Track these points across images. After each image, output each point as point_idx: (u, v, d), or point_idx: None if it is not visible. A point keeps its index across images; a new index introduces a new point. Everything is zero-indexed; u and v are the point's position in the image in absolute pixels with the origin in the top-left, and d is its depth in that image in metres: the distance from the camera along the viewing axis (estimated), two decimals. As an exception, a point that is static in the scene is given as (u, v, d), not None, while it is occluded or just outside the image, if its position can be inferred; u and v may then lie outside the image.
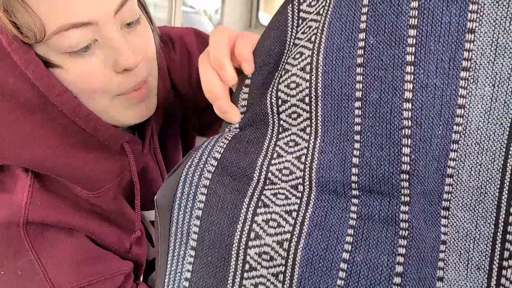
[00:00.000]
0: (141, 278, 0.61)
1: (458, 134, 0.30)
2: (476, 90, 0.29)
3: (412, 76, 0.30)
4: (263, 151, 0.36)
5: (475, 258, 0.31)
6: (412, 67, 0.30)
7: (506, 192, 0.30)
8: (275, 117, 0.35)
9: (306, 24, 0.34)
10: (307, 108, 0.33)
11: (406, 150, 0.30)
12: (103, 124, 0.48)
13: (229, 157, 0.36)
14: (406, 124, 0.30)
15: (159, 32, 0.57)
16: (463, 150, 0.30)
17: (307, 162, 0.33)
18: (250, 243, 0.33)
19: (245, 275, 0.33)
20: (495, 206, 0.30)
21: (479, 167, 0.30)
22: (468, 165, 0.30)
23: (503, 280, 0.30)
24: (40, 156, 0.46)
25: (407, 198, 0.31)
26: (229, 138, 0.37)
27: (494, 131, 0.29)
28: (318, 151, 0.33)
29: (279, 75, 0.35)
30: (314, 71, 0.32)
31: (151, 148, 0.60)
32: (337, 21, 0.31)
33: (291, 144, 0.35)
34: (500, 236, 0.30)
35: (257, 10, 2.51)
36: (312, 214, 0.33)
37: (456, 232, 0.31)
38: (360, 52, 0.30)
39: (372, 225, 0.32)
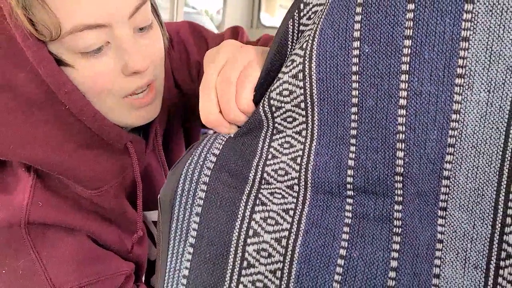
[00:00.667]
0: (143, 279, 0.61)
1: (454, 138, 0.31)
2: (472, 96, 0.30)
3: (407, 84, 0.31)
4: (257, 152, 0.37)
5: (472, 258, 0.32)
6: (407, 75, 0.31)
7: (503, 194, 0.30)
8: (269, 121, 0.37)
9: (303, 35, 0.35)
10: (303, 112, 0.35)
11: (400, 154, 0.31)
12: (109, 124, 0.49)
13: (228, 154, 0.37)
14: (401, 129, 0.31)
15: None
16: (459, 154, 0.31)
17: (303, 163, 0.35)
18: (248, 240, 0.34)
19: (243, 272, 0.35)
20: (492, 208, 0.31)
21: (476, 169, 0.31)
22: (465, 168, 0.31)
23: (500, 280, 0.31)
24: (42, 153, 0.46)
25: (400, 198, 0.33)
26: (227, 136, 0.39)
27: (490, 135, 0.30)
28: (314, 153, 0.34)
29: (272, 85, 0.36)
30: (308, 79, 0.33)
31: (155, 148, 0.60)
32: (328, 28, 0.32)
33: (285, 145, 0.36)
34: (497, 237, 0.31)
35: (259, 10, 2.51)
36: (309, 213, 0.34)
37: (453, 232, 0.32)
38: (355, 60, 0.32)
39: (367, 223, 0.33)
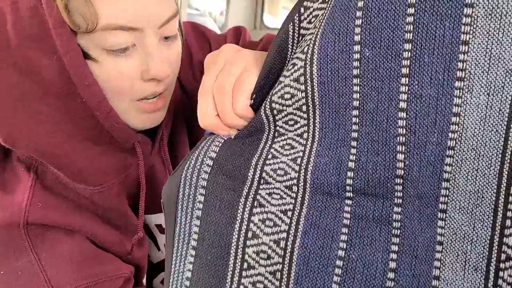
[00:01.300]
0: (144, 281, 0.61)
1: (454, 141, 0.31)
2: (471, 99, 0.30)
3: (407, 88, 0.31)
4: (258, 151, 0.37)
5: (472, 260, 0.32)
6: (407, 79, 0.31)
7: (503, 196, 0.31)
8: (271, 124, 0.37)
9: (304, 39, 0.35)
10: (305, 115, 0.35)
11: (401, 156, 0.32)
12: (121, 122, 0.49)
13: (225, 155, 0.37)
14: (401, 132, 0.31)
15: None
16: (459, 156, 0.31)
17: (302, 164, 0.35)
18: (247, 242, 0.35)
19: (244, 273, 0.35)
20: (492, 210, 0.31)
21: (475, 172, 0.31)
22: (465, 170, 0.31)
23: (500, 281, 0.31)
24: (49, 142, 0.47)
25: (400, 200, 0.33)
26: (225, 138, 0.39)
27: (490, 137, 0.30)
28: (314, 154, 0.35)
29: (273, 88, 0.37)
30: (309, 82, 0.34)
31: (160, 150, 0.60)
32: (330, 32, 0.33)
33: (286, 147, 0.36)
34: (497, 239, 0.31)
35: (262, 12, 2.51)
36: (307, 214, 0.34)
37: (453, 234, 0.32)
38: (356, 64, 0.32)
39: (366, 224, 0.33)
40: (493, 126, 0.30)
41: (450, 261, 0.32)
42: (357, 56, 0.32)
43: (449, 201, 0.32)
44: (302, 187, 0.35)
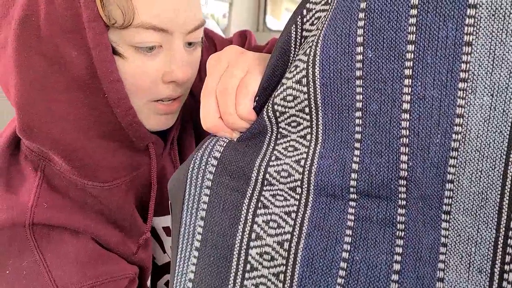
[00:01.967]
0: (149, 283, 0.61)
1: (458, 142, 0.31)
2: (475, 100, 0.30)
3: (410, 89, 0.31)
4: (261, 153, 0.37)
5: (476, 262, 0.32)
6: (410, 80, 0.31)
7: (507, 198, 0.30)
8: (274, 126, 0.37)
9: (306, 41, 0.35)
10: (307, 117, 0.35)
11: (404, 158, 0.32)
12: (138, 122, 0.50)
13: (229, 156, 0.37)
14: (404, 133, 0.31)
15: None
16: (463, 157, 0.31)
17: (306, 166, 0.35)
18: (251, 244, 0.35)
19: (246, 275, 0.35)
20: (496, 212, 0.31)
21: (479, 173, 0.31)
22: (469, 172, 0.31)
23: (504, 284, 0.31)
24: (68, 135, 0.47)
25: (404, 202, 0.33)
26: (229, 139, 0.39)
27: (493, 138, 0.30)
28: (318, 156, 0.35)
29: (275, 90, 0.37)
30: (312, 84, 0.34)
31: (170, 152, 0.61)
32: (332, 33, 0.33)
33: (290, 149, 0.36)
34: (502, 241, 0.31)
35: (264, 14, 2.52)
36: (311, 216, 0.34)
37: (457, 236, 0.32)
38: (358, 65, 0.32)
39: (370, 226, 0.33)
40: (497, 127, 0.30)
41: (454, 263, 0.32)
42: (359, 57, 0.32)
43: (453, 202, 0.32)
44: (306, 189, 0.35)
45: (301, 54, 0.35)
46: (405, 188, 0.32)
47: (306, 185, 0.35)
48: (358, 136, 0.33)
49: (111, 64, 0.45)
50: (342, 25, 0.32)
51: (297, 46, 0.37)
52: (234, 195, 0.36)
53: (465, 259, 0.32)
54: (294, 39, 0.37)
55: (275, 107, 0.36)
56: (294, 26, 0.36)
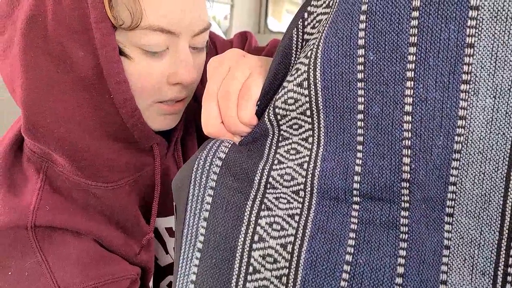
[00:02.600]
0: (151, 284, 0.61)
1: (460, 144, 0.31)
2: (477, 102, 0.30)
3: (412, 91, 0.31)
4: (264, 157, 0.37)
5: (480, 264, 0.31)
6: (412, 82, 0.31)
7: (511, 200, 0.30)
8: (275, 129, 0.37)
9: (307, 44, 0.35)
10: (309, 120, 0.35)
11: (407, 160, 0.32)
12: (143, 122, 0.50)
13: (233, 157, 0.37)
14: (407, 135, 0.31)
15: None
16: (465, 159, 0.31)
17: (309, 169, 0.35)
18: (254, 246, 0.35)
19: (249, 277, 0.35)
20: (500, 214, 0.31)
21: (482, 175, 0.31)
22: (472, 174, 0.31)
23: (508, 286, 0.31)
24: (73, 134, 0.47)
25: (407, 204, 0.33)
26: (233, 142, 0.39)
27: (496, 141, 0.30)
28: (321, 159, 0.34)
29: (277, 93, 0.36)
30: (313, 86, 0.33)
31: (174, 153, 0.61)
32: (333, 36, 0.33)
33: (292, 152, 0.36)
34: (505, 243, 0.31)
35: (266, 15, 2.52)
36: (314, 218, 0.34)
37: (460, 238, 0.32)
38: (360, 67, 0.32)
39: (373, 229, 0.33)
40: (500, 129, 0.30)
41: (457, 265, 0.32)
42: (361, 60, 0.32)
43: (456, 205, 0.32)
44: (309, 192, 0.35)
45: (302, 57, 0.35)
46: (408, 191, 0.32)
47: (309, 188, 0.35)
48: (360, 138, 0.33)
49: (118, 65, 0.45)
50: (343, 27, 0.32)
51: (298, 49, 0.37)
52: (237, 196, 0.36)
53: (468, 261, 0.32)
54: (295, 42, 0.37)
55: (276, 110, 0.36)
56: (295, 30, 0.36)
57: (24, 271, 0.47)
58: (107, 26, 0.44)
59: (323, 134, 0.35)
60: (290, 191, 0.36)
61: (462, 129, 0.31)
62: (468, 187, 0.31)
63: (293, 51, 0.37)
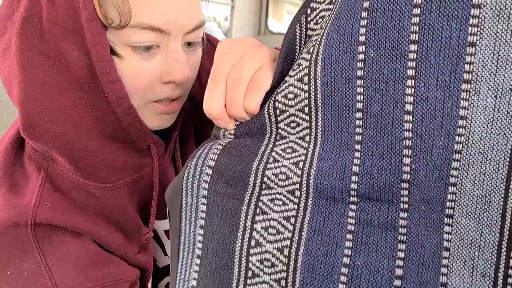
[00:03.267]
0: (150, 285, 0.61)
1: (461, 145, 0.30)
2: (478, 101, 0.30)
3: (413, 90, 0.30)
4: (258, 155, 0.36)
5: (480, 266, 0.31)
6: (413, 80, 0.30)
7: (511, 201, 0.30)
8: (273, 126, 0.36)
9: (310, 40, 0.35)
10: (307, 117, 0.35)
11: (407, 160, 0.31)
12: (139, 121, 0.50)
13: (224, 163, 0.37)
14: (407, 135, 0.31)
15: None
16: (466, 160, 0.31)
17: (305, 168, 0.34)
18: (251, 251, 0.34)
19: (248, 281, 0.35)
20: (500, 215, 0.30)
21: (483, 176, 0.31)
22: (472, 174, 0.31)
23: None
24: (71, 134, 0.47)
25: (406, 205, 0.32)
26: (223, 144, 0.38)
27: (497, 141, 0.30)
28: (317, 158, 0.34)
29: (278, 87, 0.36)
30: (313, 82, 0.33)
31: (170, 154, 0.61)
32: (335, 32, 0.32)
33: (288, 150, 0.36)
34: (505, 245, 0.30)
35: (266, 16, 2.52)
36: (310, 220, 0.34)
37: (460, 240, 0.32)
38: (360, 64, 0.31)
39: (371, 230, 0.33)
40: (501, 129, 0.30)
41: (457, 267, 0.32)
42: (361, 56, 0.32)
43: (455, 206, 0.31)
44: (305, 191, 0.35)
45: (305, 52, 0.35)
46: (407, 192, 0.32)
47: (305, 188, 0.35)
48: (358, 137, 0.33)
49: (110, 64, 0.45)
50: (345, 24, 0.32)
51: (302, 45, 0.36)
52: (232, 202, 0.36)
53: (468, 263, 0.31)
54: (298, 38, 0.36)
55: (276, 104, 0.35)
56: (298, 25, 0.36)
57: (23, 272, 0.47)
58: (97, 25, 0.44)
59: (320, 132, 0.34)
60: (286, 191, 0.35)
61: (463, 129, 0.30)
62: (468, 188, 0.31)
63: (296, 47, 0.37)
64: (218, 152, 0.37)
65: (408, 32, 0.30)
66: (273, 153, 0.36)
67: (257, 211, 0.35)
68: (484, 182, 0.31)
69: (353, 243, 0.33)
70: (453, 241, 0.32)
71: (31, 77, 0.45)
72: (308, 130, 0.35)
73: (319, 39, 0.33)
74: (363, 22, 0.31)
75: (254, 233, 0.35)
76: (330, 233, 0.33)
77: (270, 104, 0.36)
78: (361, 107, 0.32)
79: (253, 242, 0.35)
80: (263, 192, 0.36)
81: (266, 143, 0.37)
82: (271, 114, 0.36)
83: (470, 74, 0.30)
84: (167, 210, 0.40)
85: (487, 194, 0.31)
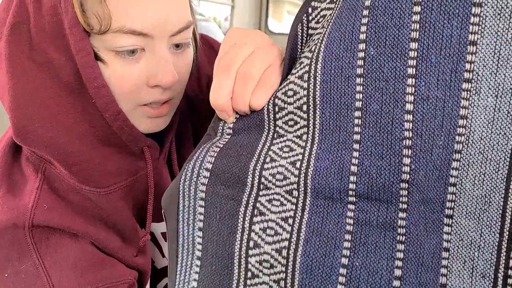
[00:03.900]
0: (148, 287, 0.61)
1: (461, 144, 0.30)
2: (479, 101, 0.30)
3: (413, 89, 0.30)
4: (255, 155, 0.36)
5: (480, 267, 0.31)
6: (414, 79, 0.30)
7: (511, 201, 0.30)
8: (271, 123, 0.36)
9: (311, 38, 0.35)
10: (305, 116, 0.34)
11: (407, 160, 0.31)
12: (129, 125, 0.49)
13: (221, 165, 0.37)
14: (407, 135, 0.31)
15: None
16: (466, 160, 0.30)
17: (302, 168, 0.34)
18: (250, 252, 0.34)
19: (248, 282, 0.34)
20: (500, 215, 0.30)
21: (483, 176, 0.30)
22: (472, 174, 0.31)
23: None
24: (63, 139, 0.47)
25: (405, 206, 0.32)
26: (221, 146, 0.38)
27: (497, 141, 0.30)
28: (314, 157, 0.34)
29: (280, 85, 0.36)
30: (312, 80, 0.33)
31: (166, 156, 0.60)
32: (336, 30, 0.32)
33: (285, 149, 0.36)
34: (505, 245, 0.30)
35: (266, 17, 2.53)
36: (308, 220, 0.34)
37: (460, 240, 0.31)
38: (360, 62, 0.31)
39: (369, 230, 0.32)
40: (501, 129, 0.29)
41: (457, 268, 0.32)
42: (361, 54, 0.31)
43: (455, 206, 0.31)
44: (302, 191, 0.34)
45: (307, 51, 0.35)
46: (406, 192, 0.32)
47: (302, 188, 0.34)
48: (357, 137, 0.33)
49: (94, 70, 0.45)
50: (346, 22, 0.32)
51: (303, 44, 0.36)
52: (229, 203, 0.36)
53: (468, 264, 0.31)
54: (300, 37, 0.36)
55: (276, 100, 0.35)
56: (300, 25, 0.36)
57: (20, 274, 0.47)
58: (79, 31, 0.44)
59: (318, 131, 0.34)
60: (283, 191, 0.35)
61: (463, 128, 0.30)
62: (468, 188, 0.31)
63: (298, 46, 0.36)
64: (215, 155, 0.37)
65: (409, 30, 0.30)
66: (270, 152, 0.36)
67: (255, 212, 0.35)
68: (484, 182, 0.30)
69: (351, 243, 0.33)
70: (452, 241, 0.32)
71: (20, 83, 0.46)
72: (306, 128, 0.35)
73: (321, 38, 0.33)
74: (364, 20, 0.31)
75: (253, 234, 0.35)
76: (328, 233, 0.33)
77: (270, 101, 0.36)
78: (360, 106, 0.32)
79: (251, 244, 0.35)
80: (260, 193, 0.35)
81: (263, 141, 0.37)
82: (270, 110, 0.36)
83: (471, 73, 0.29)
84: (162, 212, 0.40)
85: (487, 194, 0.30)
